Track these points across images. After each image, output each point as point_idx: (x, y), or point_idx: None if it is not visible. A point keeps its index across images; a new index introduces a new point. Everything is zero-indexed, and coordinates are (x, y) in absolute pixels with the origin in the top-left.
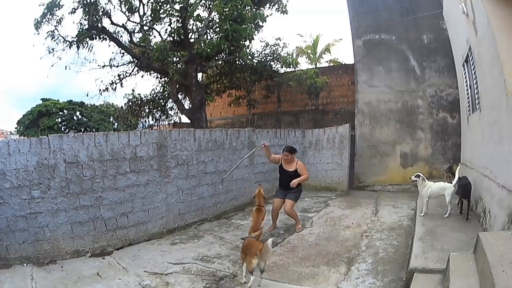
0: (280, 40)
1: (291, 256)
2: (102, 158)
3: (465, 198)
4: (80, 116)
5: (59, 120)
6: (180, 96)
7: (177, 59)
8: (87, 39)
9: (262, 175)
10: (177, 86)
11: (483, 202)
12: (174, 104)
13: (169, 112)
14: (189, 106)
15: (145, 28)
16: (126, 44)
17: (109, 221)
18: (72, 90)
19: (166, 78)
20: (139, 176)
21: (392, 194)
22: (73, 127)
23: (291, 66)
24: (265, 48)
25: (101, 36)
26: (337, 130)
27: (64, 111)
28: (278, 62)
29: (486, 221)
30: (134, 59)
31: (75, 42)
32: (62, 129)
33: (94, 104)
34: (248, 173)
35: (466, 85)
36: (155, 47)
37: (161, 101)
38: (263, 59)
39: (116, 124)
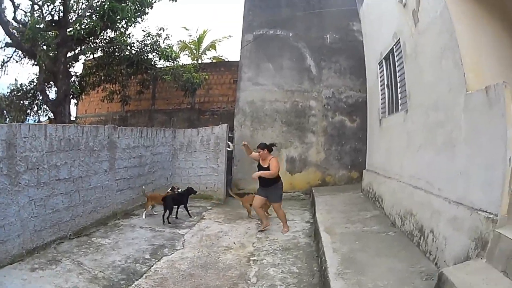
0: (163, 30)
1: None
2: None
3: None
4: None
5: None
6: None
7: (48, 39)
8: None
9: (125, 181)
10: (47, 73)
11: (416, 219)
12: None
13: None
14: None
15: (36, 7)
16: (7, 21)
17: None
18: None
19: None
20: None
21: None
22: None
23: (170, 60)
24: (146, 38)
25: None
26: (212, 130)
27: None
28: (156, 54)
29: (426, 242)
30: (8, 37)
31: None
32: None
33: None
34: (108, 179)
35: (382, 85)
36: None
37: (34, 91)
38: (141, 50)
39: (7, 119)
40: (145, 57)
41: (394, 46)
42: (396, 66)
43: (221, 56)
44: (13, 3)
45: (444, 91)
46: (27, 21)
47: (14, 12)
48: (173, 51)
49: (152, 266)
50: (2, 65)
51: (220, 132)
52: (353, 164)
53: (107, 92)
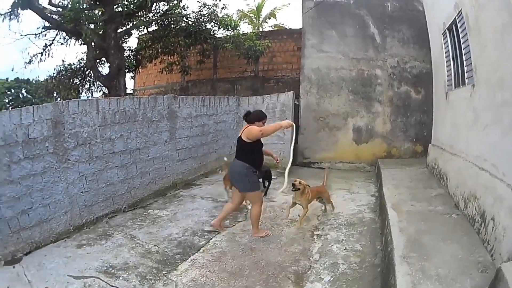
0: (220, 0)
1: (216, 269)
2: None
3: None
4: (25, 94)
5: (7, 100)
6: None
7: (95, 18)
8: (19, 8)
9: (187, 151)
10: (96, 51)
11: (479, 203)
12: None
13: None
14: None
15: None
16: (42, 8)
17: (11, 221)
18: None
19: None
20: (34, 163)
21: (344, 174)
22: (19, 106)
23: (230, 29)
24: (202, 8)
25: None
26: (278, 98)
27: (12, 90)
28: (215, 24)
29: (486, 230)
30: (46, 22)
31: (7, 15)
32: (10, 109)
33: (38, 80)
34: (168, 149)
35: (447, 56)
36: (69, 6)
37: (84, 69)
38: (198, 21)
39: (58, 99)
40: (203, 27)
41: (456, 17)
42: (460, 37)
43: (282, 24)
44: None
45: (508, 69)
46: (65, 4)
47: None
48: (232, 19)
49: (211, 239)
50: (44, 49)
51: (286, 100)
52: (418, 138)
53: (165, 64)
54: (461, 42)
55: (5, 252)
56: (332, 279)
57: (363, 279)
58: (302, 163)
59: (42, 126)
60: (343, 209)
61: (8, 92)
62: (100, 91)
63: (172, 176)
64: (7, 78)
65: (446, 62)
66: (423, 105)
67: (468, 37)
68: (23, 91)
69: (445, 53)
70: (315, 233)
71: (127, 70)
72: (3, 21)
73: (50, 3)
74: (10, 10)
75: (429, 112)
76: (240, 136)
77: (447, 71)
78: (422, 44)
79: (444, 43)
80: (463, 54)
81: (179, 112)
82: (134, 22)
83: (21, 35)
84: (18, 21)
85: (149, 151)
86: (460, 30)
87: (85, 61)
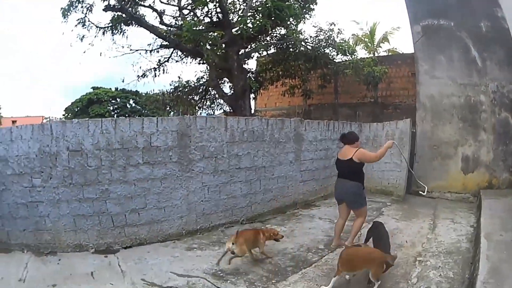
0: (334, 25)
1: (323, 283)
2: (110, 147)
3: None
4: (133, 105)
5: (111, 108)
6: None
7: (214, 40)
8: (122, 24)
9: (310, 173)
10: (218, 71)
11: None
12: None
13: (218, 100)
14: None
15: (185, 12)
16: (152, 26)
17: (117, 217)
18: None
19: (203, 62)
20: (154, 169)
21: (451, 204)
22: (126, 115)
23: (347, 54)
24: (318, 33)
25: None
26: (397, 125)
27: (117, 99)
28: (333, 49)
29: None
30: (162, 40)
31: (109, 28)
32: (115, 117)
33: (148, 93)
34: (292, 170)
35: None
36: (185, 27)
37: (204, 87)
38: (317, 45)
39: (172, 113)
40: (322, 52)
41: None
42: None
43: (395, 48)
44: (155, 9)
45: None
46: (178, 24)
47: (161, 17)
48: (350, 45)
49: (324, 256)
50: (159, 65)
51: (404, 127)
52: None
53: (287, 87)
54: None
55: (99, 242)
56: None
57: None
58: (414, 192)
59: (167, 136)
60: (445, 238)
61: (113, 101)
62: (220, 109)
63: (294, 195)
64: (117, 88)
65: None
66: None
67: None
68: (131, 101)
69: None
70: (417, 259)
71: (250, 91)
72: (103, 34)
73: (161, 23)
74: (110, 24)
75: None
76: (351, 158)
77: None
78: None
79: None
80: None
81: (305, 135)
82: (254, 46)
83: (131, 49)
84: (123, 36)
85: (274, 170)
86: None
87: (206, 80)
